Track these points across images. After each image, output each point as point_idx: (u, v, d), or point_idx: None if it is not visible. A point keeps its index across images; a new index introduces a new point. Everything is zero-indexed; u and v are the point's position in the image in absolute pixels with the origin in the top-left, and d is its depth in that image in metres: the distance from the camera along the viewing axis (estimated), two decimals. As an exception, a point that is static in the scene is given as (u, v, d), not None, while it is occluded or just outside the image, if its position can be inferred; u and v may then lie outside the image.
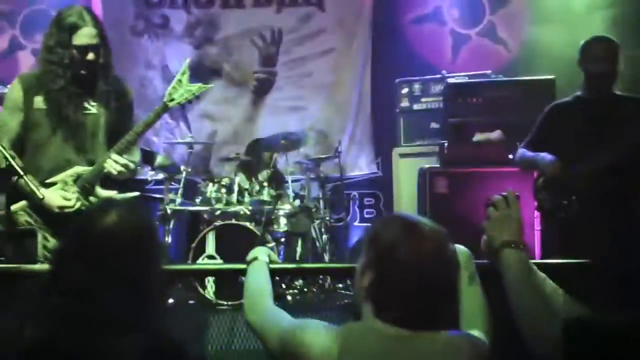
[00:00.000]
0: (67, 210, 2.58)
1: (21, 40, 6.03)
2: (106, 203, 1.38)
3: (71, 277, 1.26)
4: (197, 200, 4.91)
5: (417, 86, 4.99)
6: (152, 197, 5.28)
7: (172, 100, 2.72)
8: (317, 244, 4.93)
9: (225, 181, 4.89)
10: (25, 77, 2.70)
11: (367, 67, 5.99)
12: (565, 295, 1.60)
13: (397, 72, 5.49)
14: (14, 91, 2.66)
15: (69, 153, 2.64)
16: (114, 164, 2.60)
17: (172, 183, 5.18)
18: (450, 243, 1.41)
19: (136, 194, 2.67)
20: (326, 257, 4.94)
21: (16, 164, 2.39)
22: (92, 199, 2.65)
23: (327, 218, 5.07)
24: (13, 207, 2.51)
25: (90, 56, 2.60)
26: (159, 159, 5.09)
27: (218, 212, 4.75)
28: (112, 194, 2.65)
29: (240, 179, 4.92)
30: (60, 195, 2.58)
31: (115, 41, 5.93)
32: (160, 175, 5.17)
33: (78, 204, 2.60)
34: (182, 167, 5.02)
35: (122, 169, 2.61)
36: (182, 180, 4.93)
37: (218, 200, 4.81)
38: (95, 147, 2.68)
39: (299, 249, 4.78)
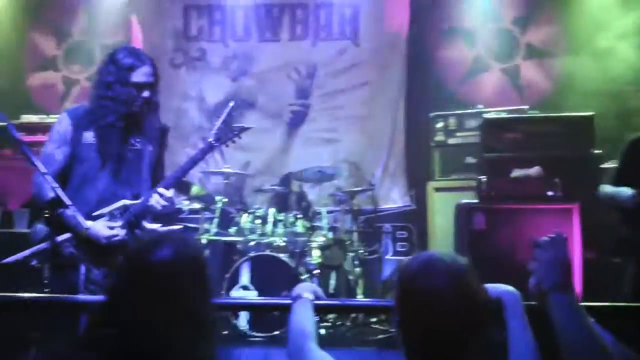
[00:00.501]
0: (112, 240, 2.62)
1: (61, 66, 6.23)
2: (158, 236, 1.39)
3: (126, 309, 1.28)
4: (232, 231, 4.93)
5: (452, 120, 4.99)
6: (187, 227, 5.33)
7: (218, 139, 2.81)
8: (350, 276, 4.90)
9: (259, 212, 4.92)
10: (75, 112, 2.76)
11: (400, 100, 6.02)
12: (614, 341, 1.57)
13: (431, 105, 5.52)
14: (63, 125, 2.72)
15: (116, 187, 2.70)
16: (159, 198, 2.65)
17: (207, 213, 5.23)
18: (474, 279, 1.42)
19: (180, 226, 2.70)
20: (359, 290, 4.90)
21: (62, 196, 2.44)
22: (137, 231, 2.69)
23: (361, 251, 5.04)
24: (58, 239, 2.57)
25: (146, 94, 2.69)
26: (194, 189, 5.16)
27: (252, 243, 4.77)
28: (157, 226, 2.70)
29: (274, 210, 4.94)
30: (105, 225, 2.62)
31: (154, 73, 6.21)
32: (195, 205, 5.22)
33: (122, 234, 2.64)
34: (217, 197, 5.07)
35: (167, 203, 2.66)
36: (217, 210, 4.97)
37: (252, 231, 4.84)
38: (140, 182, 2.74)
39: (332, 282, 4.75)
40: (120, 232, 2.64)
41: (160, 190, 2.67)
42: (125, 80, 2.67)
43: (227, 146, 2.87)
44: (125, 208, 2.68)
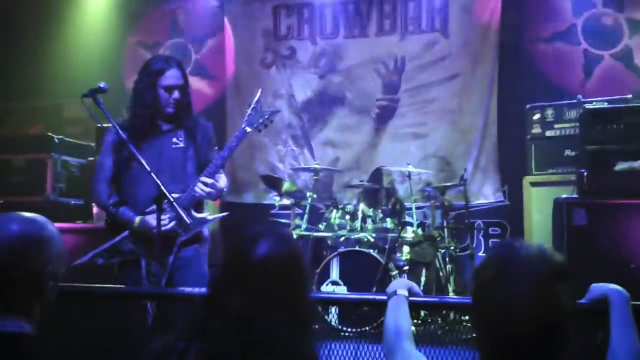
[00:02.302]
0: (161, 230, 2.72)
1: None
2: (257, 233, 1.43)
3: (229, 304, 1.32)
4: (321, 226, 4.99)
5: (549, 112, 4.77)
6: (278, 222, 5.46)
7: (250, 125, 2.92)
8: (441, 273, 4.83)
9: (349, 208, 4.94)
10: (119, 122, 2.92)
11: (493, 92, 5.84)
12: None
13: (524, 97, 5.31)
14: (108, 136, 2.98)
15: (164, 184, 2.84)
16: (202, 185, 2.81)
17: (297, 209, 5.32)
18: (561, 282, 1.26)
19: (225, 214, 2.89)
20: (450, 288, 4.81)
21: (111, 196, 2.85)
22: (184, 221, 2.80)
23: (452, 247, 4.95)
24: (117, 238, 2.84)
25: (176, 95, 2.89)
26: (285, 185, 5.26)
27: (342, 239, 4.80)
28: (205, 215, 2.88)
29: (363, 206, 4.94)
30: (154, 217, 2.73)
31: (245, 73, 6.42)
32: (286, 201, 5.33)
33: (171, 225, 2.82)
34: (307, 193, 5.15)
35: (211, 189, 2.82)
36: (308, 206, 5.05)
37: (341, 226, 4.87)
38: (185, 177, 2.89)
39: (423, 278, 4.70)
40: (167, 221, 2.80)
41: (203, 179, 2.82)
42: (154, 84, 2.88)
43: (259, 131, 2.96)
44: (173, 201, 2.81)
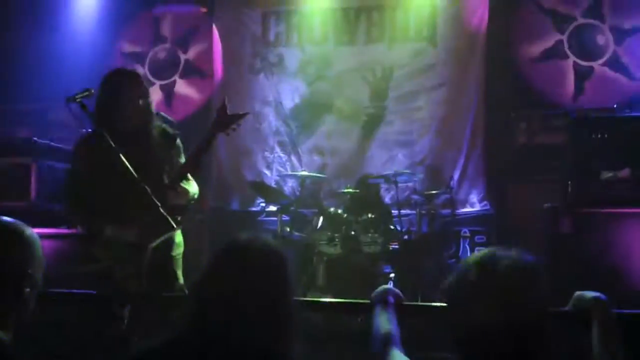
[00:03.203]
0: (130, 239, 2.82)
1: (150, 77, 6.50)
2: (243, 239, 1.43)
3: (213, 307, 1.32)
4: (308, 233, 4.98)
5: (535, 121, 4.82)
6: (264, 229, 5.44)
7: (217, 127, 2.89)
8: (428, 280, 4.83)
9: (336, 214, 4.93)
10: (83, 137, 2.98)
11: (480, 101, 5.87)
12: None
13: (511, 106, 5.35)
14: (78, 143, 3.01)
15: (127, 190, 2.82)
16: (171, 193, 2.82)
17: (284, 215, 5.31)
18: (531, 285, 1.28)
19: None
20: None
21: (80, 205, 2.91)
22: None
23: (438, 255, 4.95)
24: (91, 247, 2.91)
25: (137, 102, 2.93)
26: (272, 192, 5.25)
27: (328, 246, 4.78)
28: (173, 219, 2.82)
29: (350, 213, 4.93)
30: (124, 226, 2.82)
31: (233, 78, 6.40)
32: (272, 207, 5.31)
33: (139, 232, 2.82)
34: (293, 200, 5.14)
35: (180, 197, 2.83)
36: (294, 212, 5.03)
37: (328, 233, 4.86)
38: (161, 185, 2.87)
39: (409, 285, 4.69)
40: (136, 230, 2.82)
41: (168, 186, 2.84)
42: (115, 93, 2.92)
43: (227, 134, 2.93)
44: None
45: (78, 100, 2.78)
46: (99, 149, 2.84)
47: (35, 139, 5.03)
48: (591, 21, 5.64)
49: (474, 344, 1.26)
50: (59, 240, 4.04)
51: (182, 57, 6.57)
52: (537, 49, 5.75)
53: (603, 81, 5.52)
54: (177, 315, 1.43)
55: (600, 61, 5.60)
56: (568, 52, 5.67)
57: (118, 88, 2.95)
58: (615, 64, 5.54)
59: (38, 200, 4.83)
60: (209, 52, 6.46)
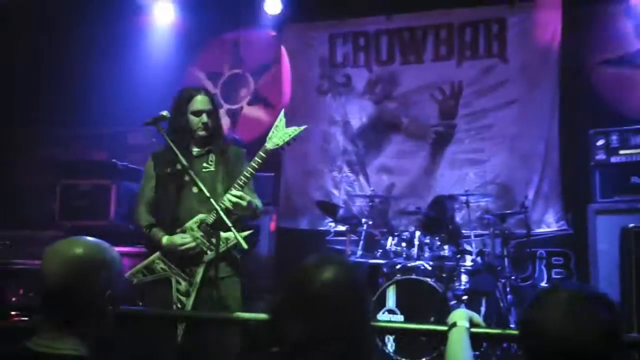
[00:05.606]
0: (187, 248, 2.99)
1: (221, 101, 6.69)
2: (320, 259, 1.42)
3: (290, 329, 1.32)
4: (377, 253, 4.93)
5: (614, 137, 4.60)
6: (333, 249, 5.43)
7: (272, 143, 2.99)
8: (501, 304, 4.66)
9: (405, 235, 4.87)
10: (155, 152, 3.24)
11: (554, 117, 5.67)
12: None
13: (587, 122, 5.14)
14: (147, 164, 3.25)
15: (194, 206, 3.05)
16: (230, 197, 2.91)
17: (352, 235, 5.28)
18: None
19: (250, 231, 2.93)
20: (511, 319, 4.64)
21: (146, 219, 3.11)
22: (214, 240, 2.98)
23: (513, 277, 4.79)
24: (150, 258, 3.06)
25: (204, 118, 3.09)
26: (340, 212, 5.24)
27: (398, 266, 4.72)
28: (230, 234, 2.91)
29: (420, 234, 4.86)
30: (179, 237, 3.01)
31: (301, 100, 6.49)
32: (341, 227, 5.30)
33: (195, 243, 3.00)
34: (362, 220, 5.11)
35: (237, 200, 2.91)
36: (363, 232, 5.00)
37: (398, 254, 4.80)
38: (216, 198, 2.96)
39: (482, 309, 4.56)
40: (189, 239, 2.99)
41: (227, 194, 2.93)
42: (184, 111, 3.08)
43: (282, 149, 3.02)
44: (201, 221, 3.01)
45: (155, 123, 2.93)
46: (168, 166, 3.05)
47: (114, 161, 5.26)
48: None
49: None
50: (136, 259, 4.18)
51: (252, 83, 6.71)
52: (613, 62, 5.51)
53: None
54: (252, 338, 1.43)
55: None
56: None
57: (184, 104, 3.10)
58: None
59: (117, 220, 5.04)
60: (277, 79, 6.55)
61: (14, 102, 6.37)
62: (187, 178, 3.00)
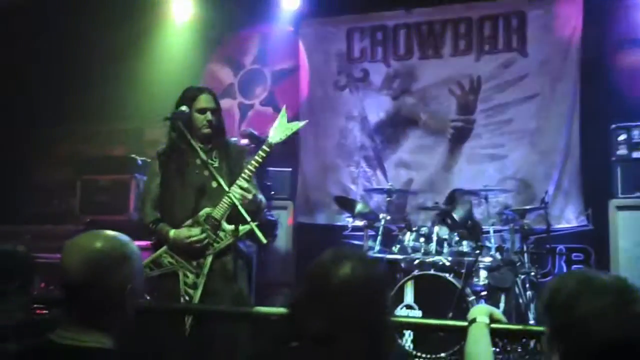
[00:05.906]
0: (193, 241, 3.04)
1: (237, 91, 6.70)
2: (338, 254, 1.42)
3: (309, 323, 1.32)
4: (395, 249, 4.91)
5: (636, 132, 4.54)
6: (350, 244, 5.42)
7: (274, 138, 3.06)
8: (521, 300, 4.62)
9: (423, 230, 4.84)
10: (160, 149, 3.27)
11: (574, 112, 5.60)
12: None
13: (608, 116, 5.07)
14: (152, 162, 3.32)
15: (201, 201, 3.10)
16: (236, 190, 2.96)
17: (370, 230, 5.27)
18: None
19: (254, 224, 2.86)
20: (530, 315, 4.59)
21: (152, 215, 3.15)
22: (220, 233, 3.07)
23: (532, 273, 4.74)
24: (157, 252, 3.10)
25: (209, 116, 3.16)
26: (358, 206, 5.23)
27: (416, 262, 4.70)
28: (232, 227, 2.97)
29: (438, 229, 4.83)
30: (185, 230, 3.07)
31: (319, 95, 6.47)
32: (359, 222, 5.29)
33: (202, 236, 3.05)
34: (380, 215, 5.09)
35: (244, 192, 2.96)
36: (381, 227, 4.99)
37: (416, 249, 4.78)
38: (220, 193, 3.04)
39: (502, 305, 4.52)
40: (196, 232, 3.04)
41: (233, 187, 2.97)
42: (189, 108, 3.13)
43: (284, 143, 3.08)
44: (207, 214, 3.07)
45: (174, 120, 2.98)
46: (177, 160, 3.10)
47: (133, 156, 5.31)
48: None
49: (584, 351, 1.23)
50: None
51: (269, 84, 6.69)
52: (635, 56, 5.42)
53: None
54: (273, 332, 1.44)
55: None
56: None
57: (189, 102, 3.16)
58: None
59: (136, 214, 5.09)
60: (294, 86, 6.50)
61: (35, 102, 6.45)
62: (195, 173, 3.09)
